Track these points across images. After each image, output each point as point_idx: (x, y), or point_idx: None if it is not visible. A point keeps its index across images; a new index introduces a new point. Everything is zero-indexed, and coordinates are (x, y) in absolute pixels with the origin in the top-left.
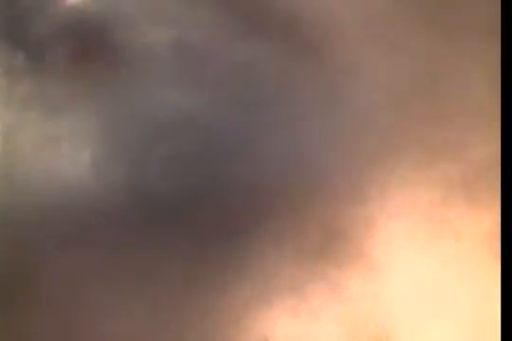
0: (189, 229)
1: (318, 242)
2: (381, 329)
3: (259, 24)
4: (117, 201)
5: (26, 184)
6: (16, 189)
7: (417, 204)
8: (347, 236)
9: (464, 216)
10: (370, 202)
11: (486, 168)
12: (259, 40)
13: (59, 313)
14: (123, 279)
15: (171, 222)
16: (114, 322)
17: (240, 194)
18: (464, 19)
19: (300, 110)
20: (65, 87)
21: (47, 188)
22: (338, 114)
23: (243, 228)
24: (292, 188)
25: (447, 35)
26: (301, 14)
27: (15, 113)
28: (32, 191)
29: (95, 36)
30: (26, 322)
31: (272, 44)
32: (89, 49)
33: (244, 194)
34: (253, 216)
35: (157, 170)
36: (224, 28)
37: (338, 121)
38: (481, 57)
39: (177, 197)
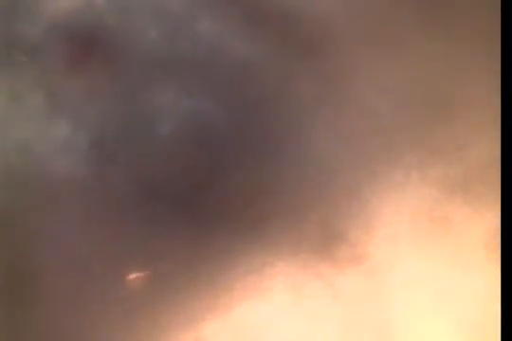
0: (185, 228)
1: (317, 242)
2: (381, 329)
3: (258, 23)
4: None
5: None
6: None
7: (417, 203)
8: (347, 236)
9: (464, 216)
10: (370, 202)
11: (486, 168)
12: (258, 39)
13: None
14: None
15: (168, 217)
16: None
17: (239, 193)
18: (463, 19)
19: (299, 110)
20: (66, 85)
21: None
22: (337, 114)
23: (241, 228)
24: (291, 187)
25: (446, 35)
26: (300, 14)
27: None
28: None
29: (95, 34)
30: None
31: (271, 43)
32: (89, 48)
33: (243, 193)
34: (252, 215)
35: (157, 168)
36: (223, 28)
37: (338, 121)
38: (481, 57)
39: (176, 195)
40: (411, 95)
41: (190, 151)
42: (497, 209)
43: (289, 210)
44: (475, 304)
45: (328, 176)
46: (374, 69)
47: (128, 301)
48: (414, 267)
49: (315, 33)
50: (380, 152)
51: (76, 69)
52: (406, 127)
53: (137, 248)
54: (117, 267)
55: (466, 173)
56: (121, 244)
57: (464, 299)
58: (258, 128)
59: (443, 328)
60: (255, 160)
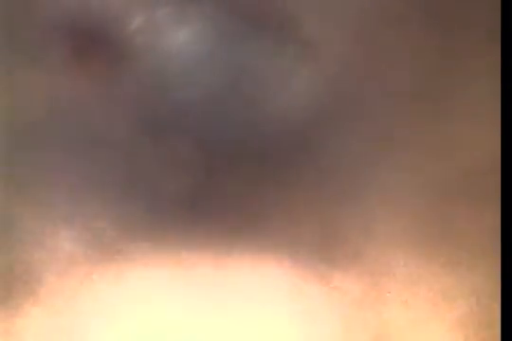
0: (184, 230)
1: (316, 243)
2: (380, 329)
3: (257, 23)
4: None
5: None
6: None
7: (417, 203)
8: (346, 236)
9: (464, 216)
10: (369, 201)
11: (486, 167)
12: (257, 39)
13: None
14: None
15: (166, 216)
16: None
17: (238, 193)
18: (463, 18)
19: (298, 110)
20: (66, 84)
21: None
22: (336, 114)
23: (240, 228)
24: (291, 187)
25: (446, 35)
26: (298, 13)
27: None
28: None
29: (95, 32)
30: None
31: (270, 43)
32: (90, 45)
33: (242, 193)
34: (251, 216)
35: (157, 174)
36: (222, 26)
37: (337, 121)
38: (481, 56)
39: (174, 194)
40: (410, 95)
41: (188, 150)
42: (497, 209)
43: (288, 210)
44: (475, 304)
45: (328, 176)
46: (372, 69)
47: (124, 301)
48: (414, 267)
49: (313, 34)
50: (380, 151)
51: (78, 66)
52: (406, 127)
53: (133, 250)
54: (114, 267)
55: (466, 173)
56: (117, 242)
57: (463, 299)
58: (258, 127)
59: (442, 328)
60: (254, 160)
